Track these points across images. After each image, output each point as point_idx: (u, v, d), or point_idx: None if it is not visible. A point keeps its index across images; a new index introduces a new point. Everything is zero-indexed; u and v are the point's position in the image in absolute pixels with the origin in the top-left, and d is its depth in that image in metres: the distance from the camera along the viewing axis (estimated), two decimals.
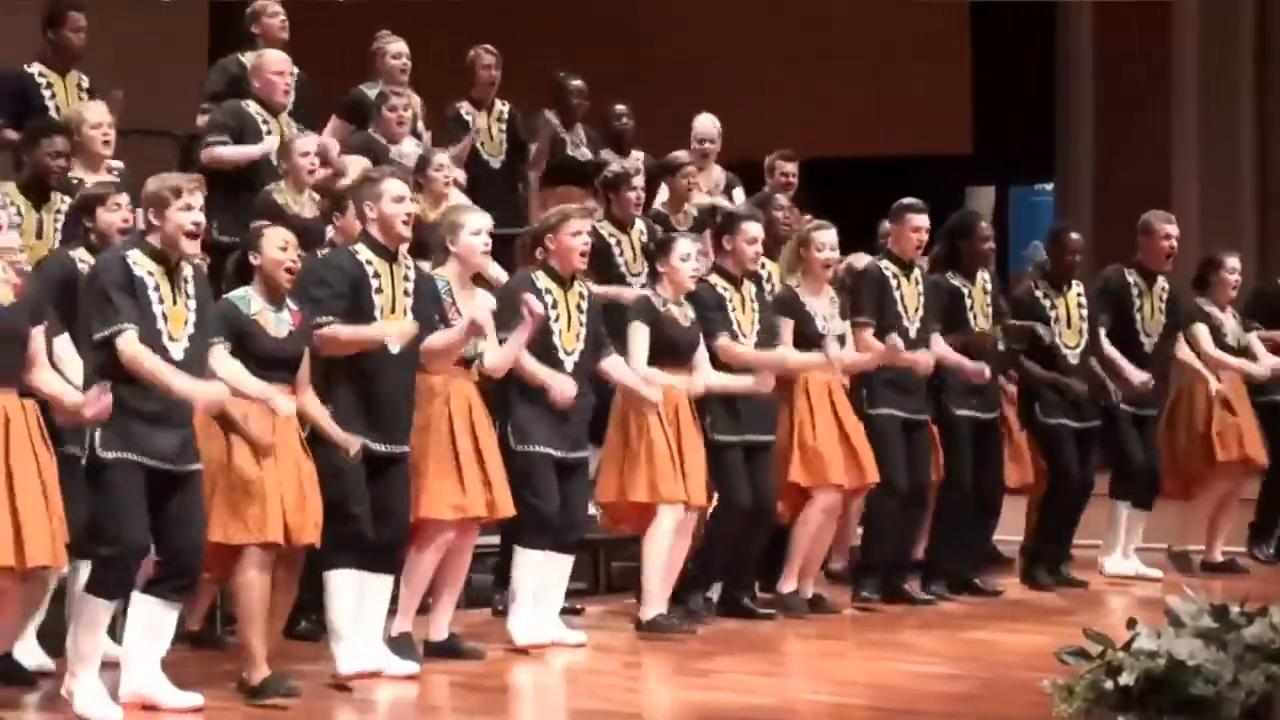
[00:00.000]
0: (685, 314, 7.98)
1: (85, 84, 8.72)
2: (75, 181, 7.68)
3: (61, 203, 7.50)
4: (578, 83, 9.88)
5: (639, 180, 8.90)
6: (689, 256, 7.96)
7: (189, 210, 6.30)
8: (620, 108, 10.00)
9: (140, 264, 6.27)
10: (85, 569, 6.43)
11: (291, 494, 6.61)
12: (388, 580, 7.00)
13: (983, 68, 14.34)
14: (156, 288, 6.27)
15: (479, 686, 6.96)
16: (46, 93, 8.64)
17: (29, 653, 6.85)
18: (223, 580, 7.03)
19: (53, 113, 8.44)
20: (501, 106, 9.78)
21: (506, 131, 9.76)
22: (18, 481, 5.97)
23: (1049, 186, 14.98)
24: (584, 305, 7.59)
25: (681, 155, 9.58)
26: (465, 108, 9.65)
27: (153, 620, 6.38)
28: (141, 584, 6.37)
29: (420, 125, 9.32)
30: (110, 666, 6.47)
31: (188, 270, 6.41)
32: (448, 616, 7.37)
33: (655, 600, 7.92)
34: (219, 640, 7.50)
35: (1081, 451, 9.15)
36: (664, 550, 7.91)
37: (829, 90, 11.99)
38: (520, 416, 7.44)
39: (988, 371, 8.67)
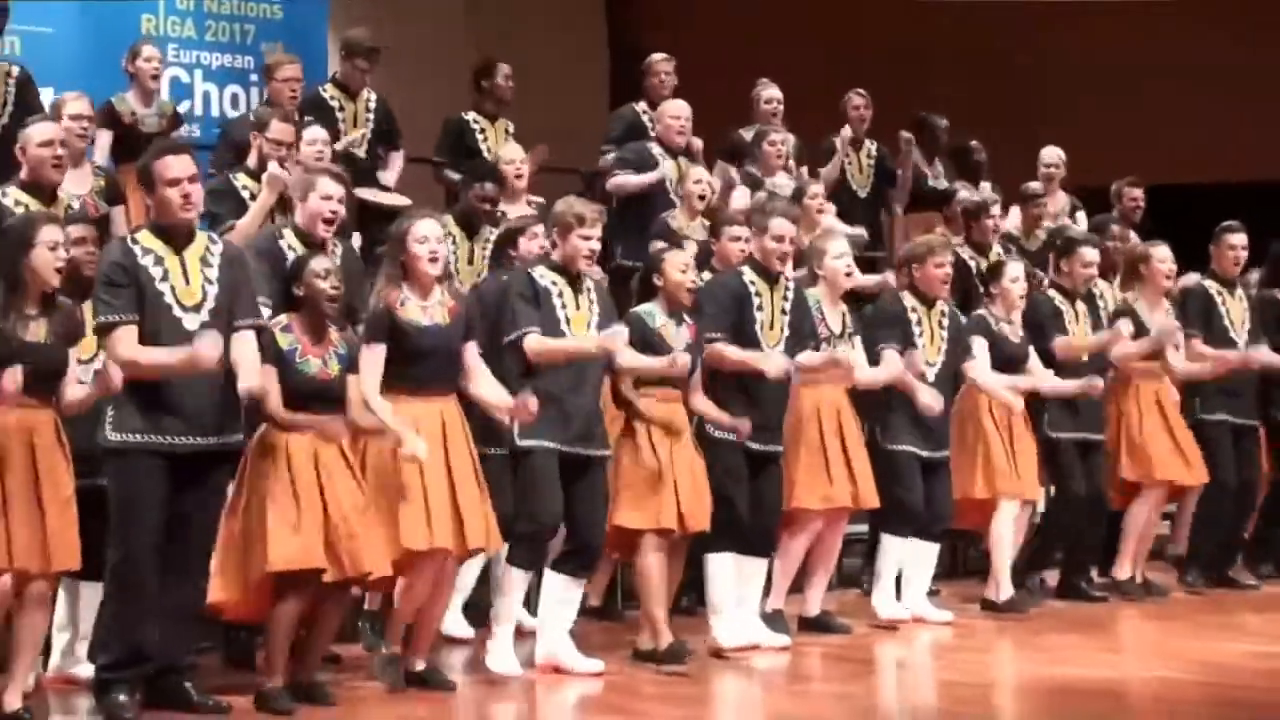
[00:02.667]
0: (1015, 331, 8.08)
1: (511, 129, 9.06)
2: (500, 215, 7.96)
3: (489, 234, 7.70)
4: (944, 122, 10.10)
5: (996, 209, 9.10)
6: (1018, 278, 8.05)
7: (588, 240, 6.52)
8: (975, 144, 10.12)
9: (544, 276, 6.51)
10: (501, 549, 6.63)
11: (687, 485, 6.74)
12: (763, 563, 7.14)
13: None
14: (560, 295, 6.49)
15: (847, 658, 7.10)
16: (480, 137, 9.00)
17: (455, 624, 7.15)
18: (623, 559, 7.32)
19: (485, 155, 8.82)
20: (870, 145, 9.95)
21: (875, 166, 9.94)
22: (457, 476, 6.16)
23: None
24: (944, 323, 7.72)
25: (1035, 186, 9.72)
26: (840, 140, 9.75)
27: (561, 594, 6.60)
28: (551, 562, 6.60)
29: (791, 162, 9.43)
30: (527, 636, 6.81)
31: (589, 281, 6.63)
32: (819, 595, 7.56)
33: (1003, 584, 8.03)
34: (618, 614, 7.80)
35: None
36: (1008, 539, 8.02)
37: (1169, 117, 11.84)
38: (890, 419, 7.61)
39: None
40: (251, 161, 7.31)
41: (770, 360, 6.89)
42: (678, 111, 9.02)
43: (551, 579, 6.57)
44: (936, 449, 7.67)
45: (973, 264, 8.86)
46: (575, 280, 6.54)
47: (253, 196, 7.08)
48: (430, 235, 6.25)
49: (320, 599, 6.01)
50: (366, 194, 8.29)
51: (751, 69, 10.10)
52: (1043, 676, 6.76)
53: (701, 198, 8.43)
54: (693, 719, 6.17)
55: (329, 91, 8.81)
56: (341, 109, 8.72)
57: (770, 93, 9.55)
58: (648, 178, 8.86)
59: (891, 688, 6.95)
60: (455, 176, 8.69)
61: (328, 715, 5.92)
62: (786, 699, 6.53)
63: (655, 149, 9.04)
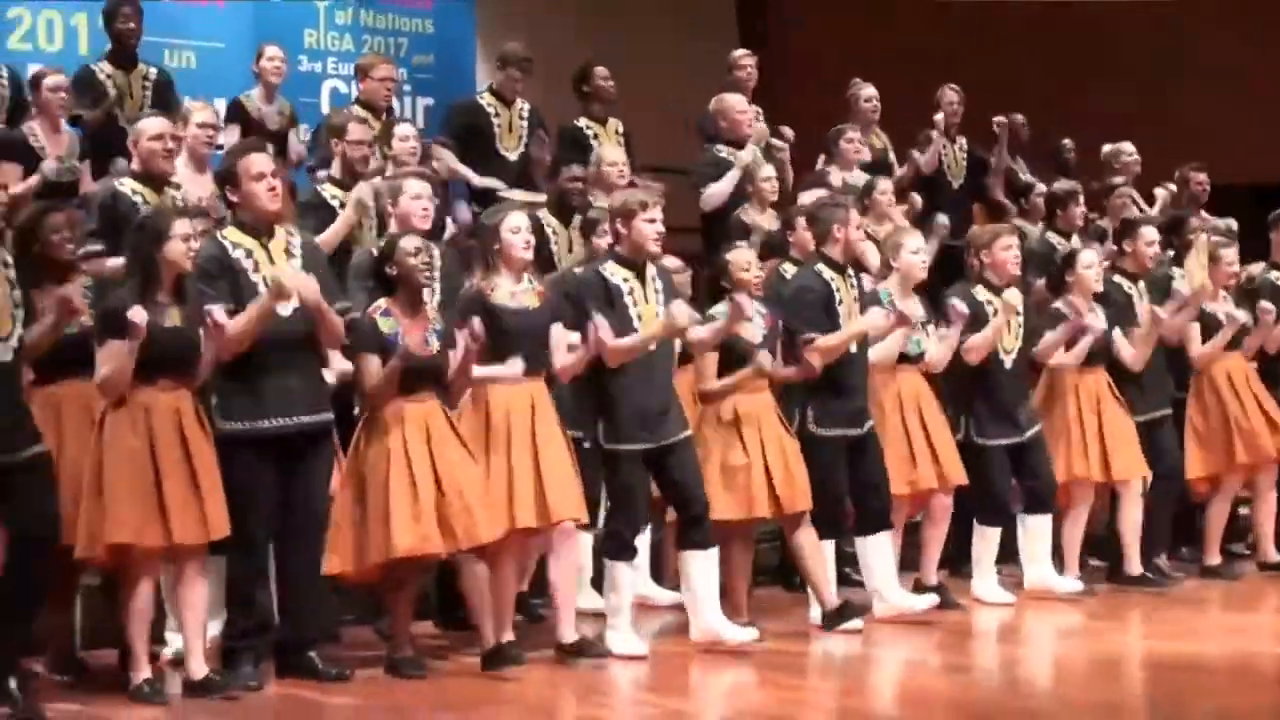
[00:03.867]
0: (1099, 317, 7.86)
1: (621, 130, 9.07)
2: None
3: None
4: (1020, 119, 10.05)
5: (1081, 199, 9.04)
6: (1092, 265, 7.92)
7: (653, 223, 6.47)
8: (1066, 142, 10.13)
9: (615, 274, 6.49)
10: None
11: (779, 470, 6.75)
12: (886, 537, 7.08)
13: None
14: (630, 292, 6.47)
15: (959, 631, 7.09)
16: (594, 141, 8.87)
17: (587, 599, 7.10)
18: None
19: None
20: (961, 139, 9.95)
21: (967, 160, 9.95)
22: (543, 454, 6.18)
23: None
24: (1019, 311, 7.56)
25: (1119, 179, 9.67)
26: (936, 134, 9.78)
27: (698, 568, 6.54)
28: (677, 544, 6.63)
29: (891, 159, 9.51)
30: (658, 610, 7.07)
31: (652, 270, 6.55)
32: (933, 571, 7.50)
33: (1132, 561, 7.96)
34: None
35: None
36: (1130, 519, 7.95)
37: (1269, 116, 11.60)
38: (977, 412, 7.55)
39: None
40: (335, 170, 7.38)
41: (868, 317, 6.89)
42: (742, 105, 8.94)
43: (685, 558, 6.56)
44: (1025, 431, 7.58)
45: (1061, 249, 8.70)
46: (642, 272, 6.53)
47: (341, 205, 7.14)
48: (522, 225, 6.31)
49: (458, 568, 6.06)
50: (518, 195, 8.33)
51: (864, 67, 10.06)
52: (1156, 650, 6.78)
53: (773, 192, 8.37)
54: (812, 688, 6.23)
55: (485, 100, 8.89)
56: (497, 116, 8.77)
57: (868, 92, 9.53)
58: (729, 180, 8.70)
59: (997, 661, 6.93)
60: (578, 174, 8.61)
61: (476, 684, 5.98)
62: (906, 672, 6.53)
63: (722, 151, 8.90)
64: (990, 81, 10.51)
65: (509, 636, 6.14)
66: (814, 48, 10.79)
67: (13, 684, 5.39)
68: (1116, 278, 8.16)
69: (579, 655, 6.27)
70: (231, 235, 5.93)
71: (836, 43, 11.68)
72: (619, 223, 6.53)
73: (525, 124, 8.86)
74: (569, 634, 6.30)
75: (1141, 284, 8.25)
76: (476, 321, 5.99)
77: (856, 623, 6.80)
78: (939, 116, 9.77)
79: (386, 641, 6.32)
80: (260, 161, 5.95)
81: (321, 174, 7.63)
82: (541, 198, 8.40)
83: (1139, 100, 10.81)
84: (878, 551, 7.07)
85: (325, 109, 11.00)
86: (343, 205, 7.10)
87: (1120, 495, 7.95)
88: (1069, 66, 11.10)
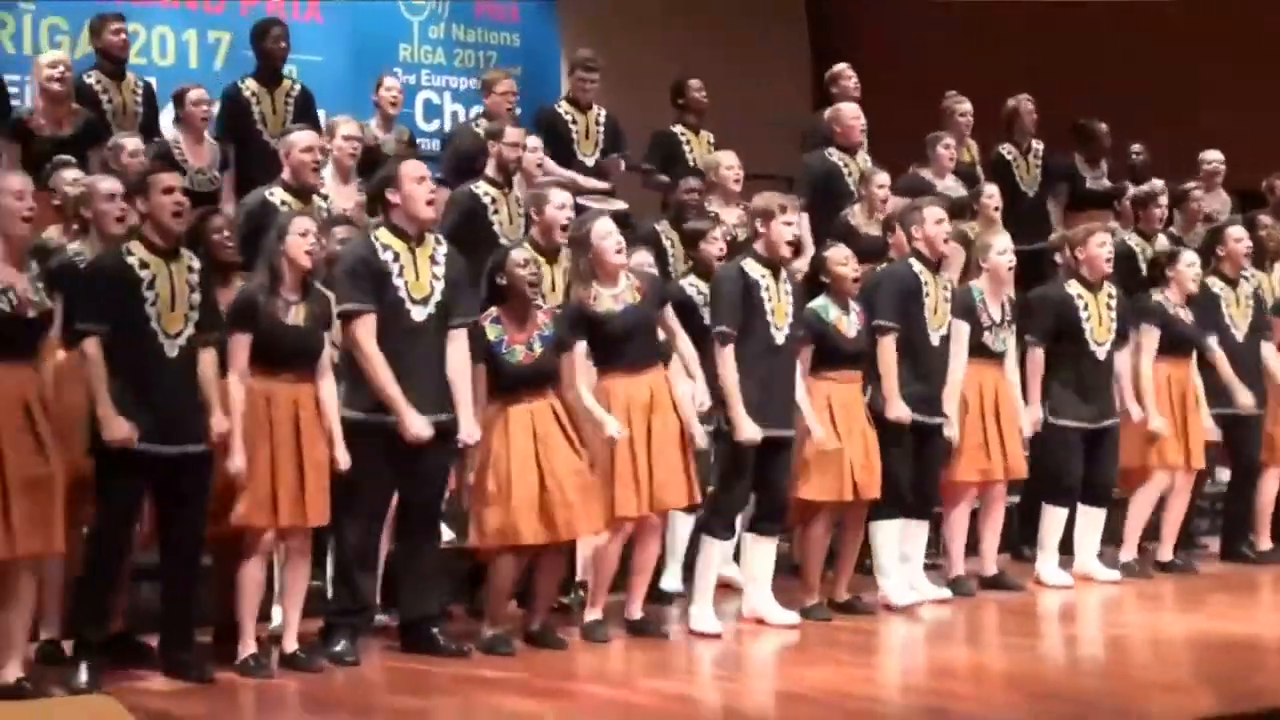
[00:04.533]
0: (1188, 314, 8.02)
1: (712, 140, 9.16)
2: (712, 214, 7.94)
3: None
4: (1103, 127, 10.01)
5: (1164, 200, 9.00)
6: (1193, 264, 8.02)
7: (790, 225, 6.60)
8: (1137, 147, 10.20)
9: (754, 270, 6.53)
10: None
11: (859, 459, 6.86)
12: (924, 524, 7.27)
13: None
14: (767, 289, 6.54)
15: (1021, 612, 7.20)
16: (687, 147, 9.07)
17: (672, 579, 7.24)
18: (795, 526, 7.24)
19: (691, 163, 8.89)
20: (1036, 145, 9.91)
21: (1041, 167, 9.89)
22: (661, 442, 6.32)
23: None
24: (1111, 304, 7.67)
25: (1192, 185, 9.60)
26: (1007, 149, 9.83)
27: (759, 553, 6.73)
28: (746, 526, 6.71)
29: (978, 169, 9.54)
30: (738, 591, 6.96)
31: (784, 272, 6.65)
32: (993, 556, 7.62)
33: (1166, 547, 8.13)
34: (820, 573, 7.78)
35: None
36: (1175, 508, 8.06)
37: None
38: (1056, 395, 7.66)
39: None
40: (490, 170, 7.49)
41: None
42: (856, 112, 9.02)
43: (749, 541, 6.71)
44: (1100, 420, 7.67)
45: (1139, 250, 8.80)
46: (778, 271, 6.62)
47: (494, 202, 7.34)
48: (610, 229, 6.38)
49: (540, 555, 6.21)
50: (594, 201, 8.37)
51: (936, 78, 10.17)
52: (1202, 632, 6.78)
53: (884, 201, 8.36)
54: (871, 666, 6.28)
55: (563, 107, 8.94)
56: (575, 123, 8.83)
57: (964, 106, 9.59)
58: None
59: (1065, 639, 6.99)
60: (663, 179, 8.85)
61: (559, 657, 6.13)
62: (968, 650, 6.61)
63: (835, 156, 8.94)
64: (1064, 89, 10.54)
65: (639, 614, 6.48)
66: (880, 61, 10.89)
67: (187, 663, 5.66)
68: (1207, 279, 8.23)
69: (643, 632, 6.45)
70: (383, 237, 6.02)
71: (900, 56, 11.79)
72: (758, 222, 6.62)
73: (601, 130, 8.94)
74: (636, 612, 6.51)
75: (1242, 288, 8.34)
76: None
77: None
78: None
79: (480, 621, 6.39)
80: (419, 168, 6.09)
81: (473, 185, 7.67)
82: (621, 204, 8.52)
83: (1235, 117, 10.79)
84: (917, 536, 7.22)
85: (418, 120, 11.29)
86: (494, 202, 7.29)
87: (1176, 484, 8.03)
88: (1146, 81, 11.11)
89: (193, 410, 5.61)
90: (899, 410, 6.98)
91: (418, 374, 5.92)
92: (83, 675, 5.50)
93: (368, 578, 6.04)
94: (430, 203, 6.07)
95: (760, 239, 6.61)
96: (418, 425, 5.83)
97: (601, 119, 8.98)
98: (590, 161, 8.84)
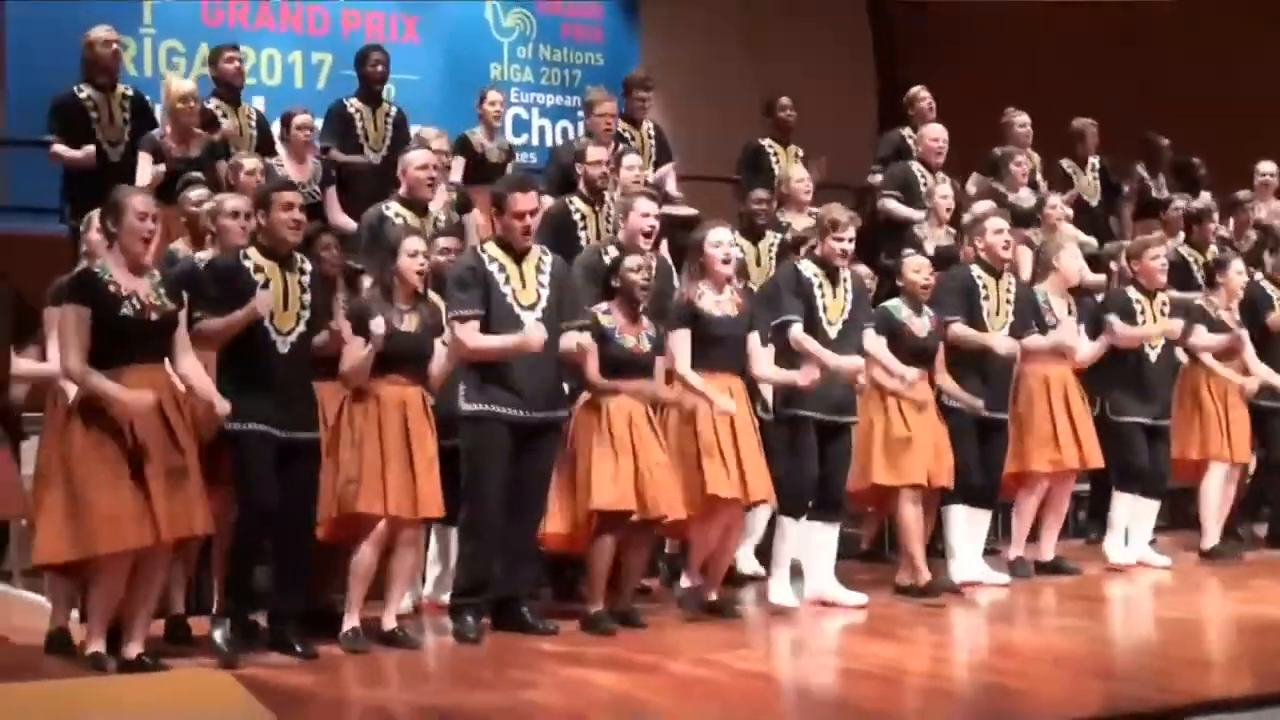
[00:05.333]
0: (1232, 317, 8.27)
1: (800, 153, 9.37)
2: (785, 224, 8.32)
3: (773, 239, 8.06)
4: (1165, 141, 10.18)
5: (1215, 215, 9.23)
6: (1241, 271, 8.32)
7: (840, 241, 6.85)
8: (1197, 160, 10.23)
9: (808, 269, 6.88)
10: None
11: (931, 447, 7.08)
12: (987, 513, 7.47)
13: None
14: (820, 286, 6.84)
15: (1078, 595, 7.30)
16: (774, 159, 9.28)
17: (746, 560, 7.49)
18: (884, 512, 7.62)
19: (776, 174, 8.99)
20: (1094, 160, 10.03)
21: (1100, 179, 10.00)
22: (741, 439, 6.51)
23: None
24: (1165, 310, 7.92)
25: (1243, 194, 9.77)
26: (1068, 162, 9.98)
27: (819, 537, 6.89)
28: (807, 513, 6.86)
29: (1039, 177, 9.67)
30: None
31: (846, 273, 6.91)
32: (1052, 542, 7.84)
33: (1211, 535, 8.25)
34: (885, 557, 8.05)
35: None
36: (1217, 497, 8.24)
37: None
38: (1117, 394, 7.88)
39: None
40: (581, 186, 7.66)
41: (999, 340, 7.27)
42: (937, 134, 9.23)
43: (809, 526, 6.87)
44: (1159, 417, 7.93)
45: (1192, 260, 9.02)
46: (834, 273, 6.87)
47: (583, 218, 7.51)
48: (723, 240, 6.66)
49: (629, 539, 6.41)
50: (670, 208, 8.60)
51: (995, 97, 10.25)
52: (1243, 613, 6.91)
53: (948, 210, 8.54)
54: (936, 645, 6.33)
55: (621, 126, 9.02)
56: (632, 139, 8.99)
57: (1022, 118, 9.71)
58: (913, 214, 8.94)
59: (1116, 621, 7.10)
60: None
61: (641, 636, 6.29)
62: (1025, 630, 6.68)
63: (915, 167, 9.22)
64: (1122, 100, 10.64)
65: (715, 594, 6.67)
66: (943, 80, 11.02)
67: (291, 636, 5.82)
68: (1265, 283, 8.51)
69: (718, 613, 6.65)
70: (490, 250, 6.27)
71: (959, 75, 11.85)
72: (816, 233, 6.99)
73: (653, 142, 9.10)
74: (714, 594, 6.70)
75: None
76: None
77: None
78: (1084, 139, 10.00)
79: (581, 601, 6.59)
80: (523, 201, 6.26)
81: (567, 199, 7.88)
82: (692, 210, 8.72)
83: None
84: (980, 522, 7.38)
85: (508, 134, 11.33)
86: (584, 218, 7.53)
87: (1215, 473, 8.21)
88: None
89: (304, 401, 5.88)
90: (1007, 345, 7.22)
91: (528, 374, 6.13)
92: (224, 648, 5.72)
93: (490, 563, 6.20)
94: (526, 232, 6.27)
95: (821, 246, 6.92)
96: (537, 331, 6.03)
97: (652, 132, 9.17)
98: (647, 172, 8.92)
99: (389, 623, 6.08)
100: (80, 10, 9.36)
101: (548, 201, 7.37)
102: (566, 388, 6.49)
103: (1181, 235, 9.35)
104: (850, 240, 6.90)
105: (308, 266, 6.00)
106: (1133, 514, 8.00)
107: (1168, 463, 8.07)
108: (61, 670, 5.51)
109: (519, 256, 6.26)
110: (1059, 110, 10.12)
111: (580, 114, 11.29)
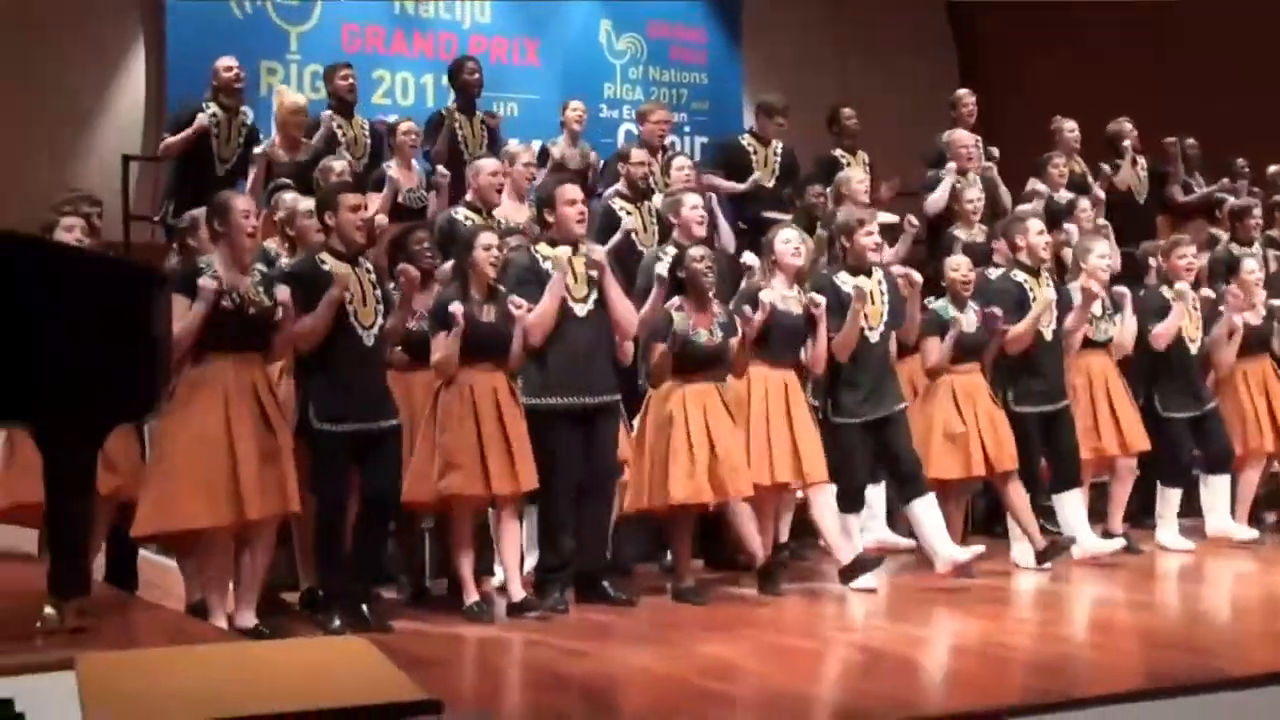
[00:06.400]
0: (1257, 314, 8.18)
1: (867, 159, 9.40)
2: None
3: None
4: (1191, 142, 10.17)
5: (1257, 211, 9.10)
6: (1253, 271, 8.20)
7: (870, 235, 6.82)
8: (1240, 161, 10.13)
9: (846, 282, 6.83)
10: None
11: (989, 436, 7.01)
12: (1078, 493, 7.30)
13: None
14: (856, 295, 6.75)
15: (1141, 571, 7.27)
16: (845, 166, 9.11)
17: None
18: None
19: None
20: (1142, 160, 9.98)
21: (1149, 175, 9.99)
22: (797, 426, 6.60)
23: None
24: (1198, 305, 7.88)
25: None
26: (1112, 163, 9.83)
27: (923, 513, 6.83)
28: (901, 496, 6.83)
29: (1090, 180, 9.55)
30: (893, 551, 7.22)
31: (879, 274, 6.88)
32: (1118, 522, 7.72)
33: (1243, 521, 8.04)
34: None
35: None
36: (1252, 486, 8.19)
37: None
38: (1163, 389, 7.84)
39: None
40: (622, 186, 7.78)
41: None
42: (965, 140, 9.20)
43: (910, 508, 6.81)
44: (1204, 405, 7.82)
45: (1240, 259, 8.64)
46: (869, 275, 6.79)
47: (626, 214, 7.63)
48: (792, 238, 6.68)
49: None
50: (774, 215, 8.56)
51: (1063, 102, 10.28)
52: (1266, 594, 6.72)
53: (975, 212, 8.49)
54: (1009, 616, 6.25)
55: (746, 140, 9.18)
56: (756, 153, 9.10)
57: (1070, 124, 9.74)
58: (942, 188, 9.02)
59: (1177, 597, 7.01)
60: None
61: (731, 607, 6.31)
62: (1089, 603, 6.60)
63: (944, 173, 9.09)
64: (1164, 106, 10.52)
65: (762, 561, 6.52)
66: (1019, 82, 11.09)
67: (365, 609, 5.83)
68: None
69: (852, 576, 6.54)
70: (543, 249, 6.26)
71: (1035, 80, 11.92)
72: (843, 237, 6.81)
73: (779, 159, 9.15)
74: (847, 557, 6.57)
75: None
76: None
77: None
78: (1126, 144, 9.89)
79: (670, 575, 6.64)
80: (572, 190, 6.32)
81: (609, 190, 8.06)
82: (788, 217, 8.64)
83: None
84: (1073, 506, 7.29)
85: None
86: (628, 214, 7.60)
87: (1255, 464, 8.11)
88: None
89: (385, 390, 5.88)
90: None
91: (583, 360, 6.16)
92: (335, 621, 5.74)
93: (568, 539, 6.23)
94: (580, 221, 6.30)
95: (848, 252, 6.81)
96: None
97: (779, 150, 9.20)
98: (770, 184, 9.12)
99: (517, 593, 6.05)
100: (235, 41, 9.77)
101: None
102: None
103: (1217, 232, 9.25)
104: (877, 234, 6.84)
105: (370, 265, 5.94)
106: (1206, 493, 7.88)
107: (1227, 438, 7.90)
108: (213, 635, 5.43)
109: (571, 252, 6.22)
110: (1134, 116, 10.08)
111: (687, 129, 11.89)
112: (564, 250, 6.26)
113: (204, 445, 5.38)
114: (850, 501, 6.71)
